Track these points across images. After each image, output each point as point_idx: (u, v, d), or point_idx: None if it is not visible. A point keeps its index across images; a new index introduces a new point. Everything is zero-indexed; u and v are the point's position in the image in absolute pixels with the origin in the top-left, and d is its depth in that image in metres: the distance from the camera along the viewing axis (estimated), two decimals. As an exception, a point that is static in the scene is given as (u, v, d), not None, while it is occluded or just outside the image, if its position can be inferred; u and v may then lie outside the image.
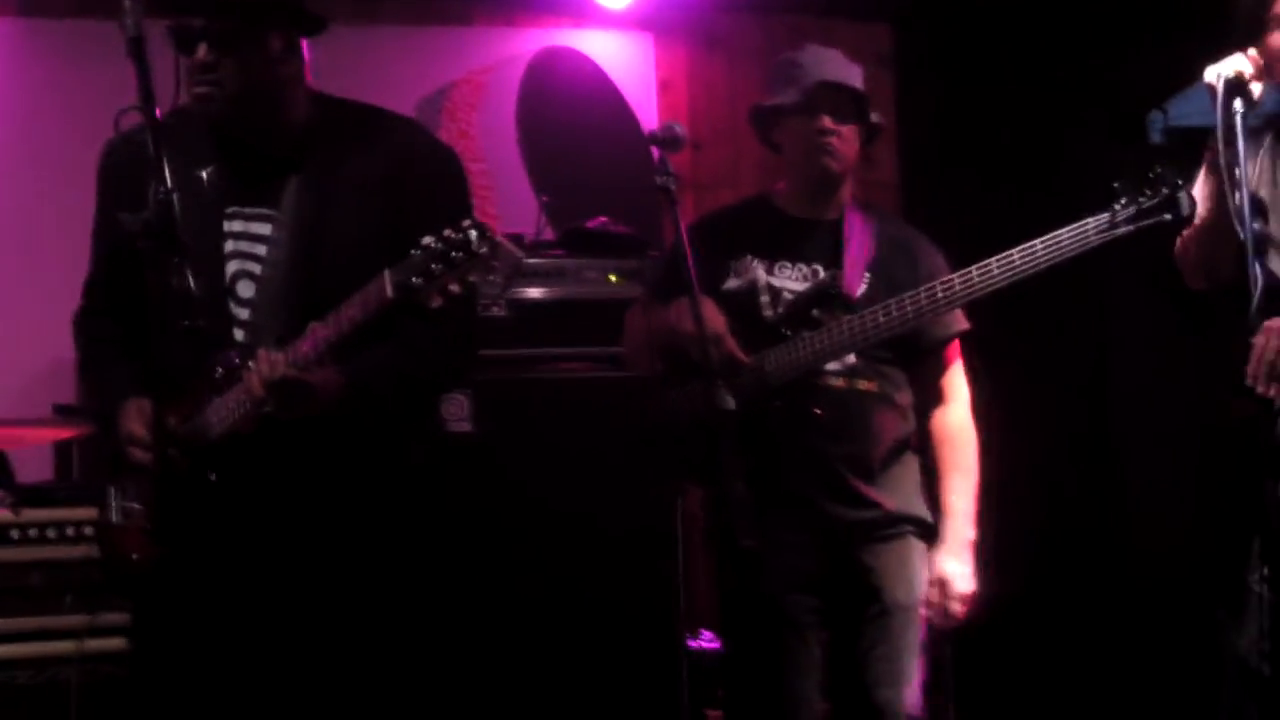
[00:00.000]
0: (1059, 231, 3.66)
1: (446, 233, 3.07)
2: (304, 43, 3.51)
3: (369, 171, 3.46)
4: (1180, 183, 3.56)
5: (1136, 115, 6.52)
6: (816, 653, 3.97)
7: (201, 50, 3.36)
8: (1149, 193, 3.57)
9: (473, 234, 3.07)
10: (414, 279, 3.08)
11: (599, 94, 6.56)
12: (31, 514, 4.68)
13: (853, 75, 4.09)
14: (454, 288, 3.10)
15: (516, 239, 5.52)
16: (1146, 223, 3.57)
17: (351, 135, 3.52)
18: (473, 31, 6.55)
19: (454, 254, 3.07)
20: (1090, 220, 3.63)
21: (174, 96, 3.32)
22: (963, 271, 3.79)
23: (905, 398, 4.05)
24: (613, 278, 5.34)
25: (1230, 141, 3.64)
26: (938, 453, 4.08)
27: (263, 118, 3.47)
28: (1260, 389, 3.59)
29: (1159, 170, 3.58)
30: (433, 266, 3.07)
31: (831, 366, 3.92)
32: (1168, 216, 3.56)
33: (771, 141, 4.19)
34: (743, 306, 3.95)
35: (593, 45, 6.61)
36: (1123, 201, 3.59)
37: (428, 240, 3.08)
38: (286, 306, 3.41)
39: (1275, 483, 3.48)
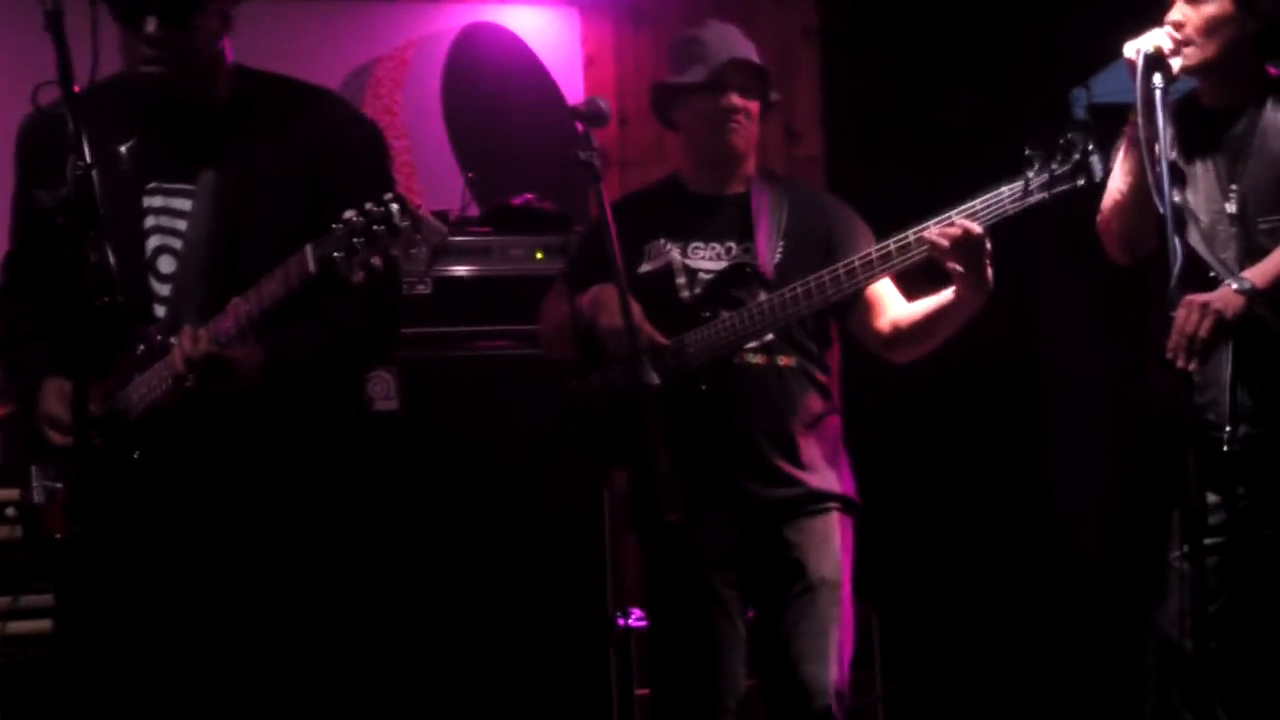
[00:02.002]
0: (973, 201, 3.67)
1: (368, 206, 3.06)
2: None
3: (290, 145, 3.44)
4: (1090, 148, 3.58)
5: (1061, 88, 6.57)
6: (741, 629, 3.97)
7: (151, 24, 3.33)
8: (1060, 159, 3.58)
9: (394, 208, 3.06)
10: (335, 253, 3.07)
11: (524, 70, 6.53)
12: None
13: (753, 52, 4.10)
14: (376, 262, 3.09)
15: (441, 216, 5.49)
16: (1060, 189, 3.58)
17: (273, 109, 3.50)
18: (397, 7, 6.50)
19: (375, 228, 3.06)
20: (1005, 188, 3.64)
21: (92, 70, 3.28)
22: (880, 245, 3.78)
23: (827, 372, 4.05)
24: (538, 255, 5.32)
25: (1150, 116, 3.66)
26: (908, 319, 4.00)
27: (199, 92, 3.45)
28: (1179, 363, 3.61)
29: (1069, 136, 3.59)
30: (354, 240, 3.06)
31: (750, 344, 3.92)
32: (1080, 182, 3.57)
33: (669, 120, 4.18)
34: (660, 289, 3.94)
35: (518, 21, 6.58)
36: (1035, 168, 3.60)
37: (349, 214, 3.07)
38: (207, 282, 3.38)
39: (1194, 458, 3.51)
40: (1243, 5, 3.78)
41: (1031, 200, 3.61)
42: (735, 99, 4.02)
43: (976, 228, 3.64)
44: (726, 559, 3.93)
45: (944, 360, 3.97)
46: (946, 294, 3.83)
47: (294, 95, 3.58)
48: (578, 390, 4.09)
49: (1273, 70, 3.92)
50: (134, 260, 3.37)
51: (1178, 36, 3.74)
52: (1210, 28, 3.79)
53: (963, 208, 3.66)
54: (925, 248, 3.69)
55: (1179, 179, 3.86)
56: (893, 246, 3.76)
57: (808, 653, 3.92)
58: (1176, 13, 3.80)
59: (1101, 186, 3.59)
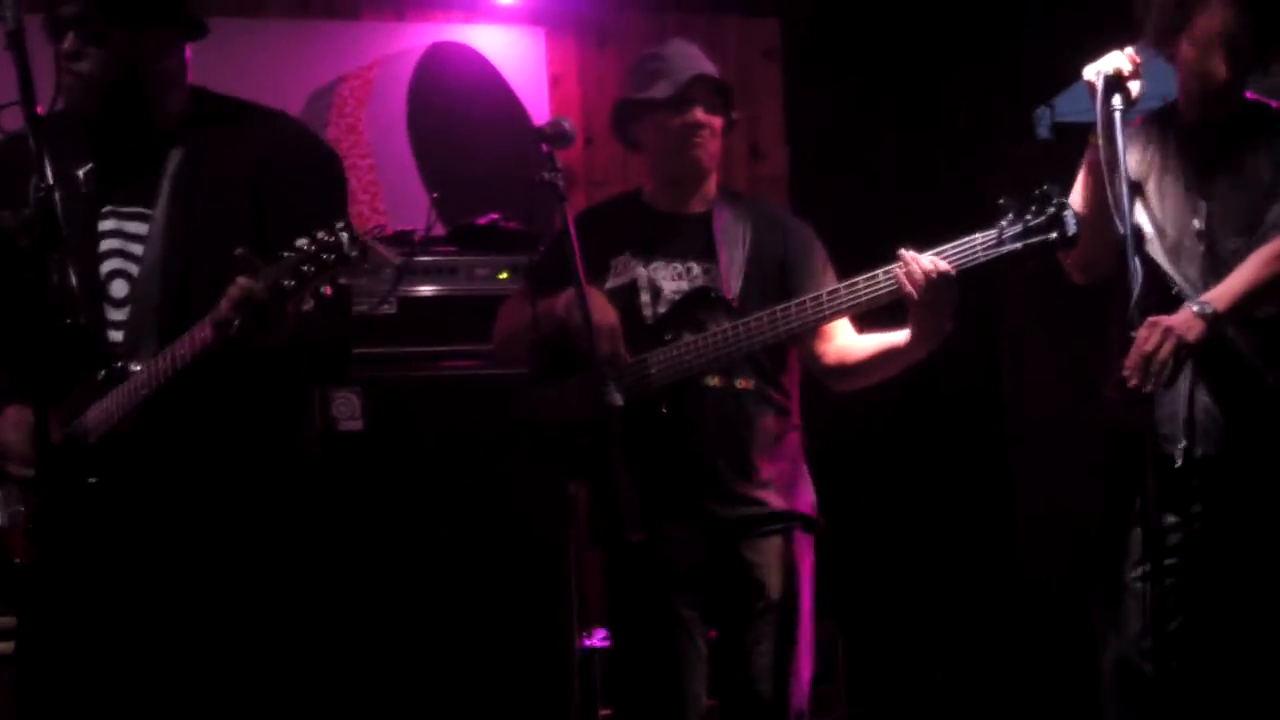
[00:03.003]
0: (945, 247, 3.65)
1: (319, 234, 3.06)
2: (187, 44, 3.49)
3: (241, 167, 3.44)
4: (1065, 202, 3.59)
5: (1022, 112, 6.60)
6: (703, 648, 3.97)
7: (69, 39, 3.33)
8: (1035, 209, 3.58)
9: (344, 236, 3.05)
10: (286, 281, 3.07)
11: (490, 89, 6.53)
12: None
13: (713, 67, 4.11)
14: (325, 290, 3.10)
15: (406, 235, 5.50)
16: (1034, 240, 3.57)
17: (225, 130, 3.49)
18: (362, 26, 6.50)
19: (325, 256, 3.06)
20: (978, 236, 3.63)
21: (55, 93, 3.28)
22: (850, 281, 3.77)
23: (785, 393, 4.06)
24: (503, 275, 5.33)
25: (1110, 137, 3.69)
26: (856, 353, 3.98)
27: (128, 113, 3.44)
28: (1135, 383, 3.63)
29: (1044, 188, 3.60)
30: (304, 268, 3.06)
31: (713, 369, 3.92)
32: (1053, 235, 3.58)
33: (629, 138, 4.18)
34: (623, 305, 3.94)
35: (483, 40, 6.58)
36: (1009, 218, 3.60)
37: (301, 242, 3.06)
38: (161, 306, 3.38)
39: (1153, 477, 3.53)
40: (1248, 23, 3.83)
41: (1004, 250, 3.59)
42: (700, 114, 4.02)
43: (948, 267, 3.63)
44: (688, 579, 3.93)
45: (907, 378, 3.97)
46: (900, 335, 3.82)
47: (246, 117, 3.57)
48: (534, 401, 4.08)
49: (1250, 95, 3.96)
50: (90, 284, 3.36)
51: (1138, 59, 3.77)
52: (1213, 46, 3.83)
53: (934, 252, 3.65)
54: (892, 284, 3.69)
55: (1139, 192, 3.90)
56: (860, 281, 3.75)
57: (768, 672, 3.92)
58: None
59: (1074, 242, 3.59)
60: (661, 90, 4.03)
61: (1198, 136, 3.94)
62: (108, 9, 3.33)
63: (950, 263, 3.63)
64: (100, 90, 3.36)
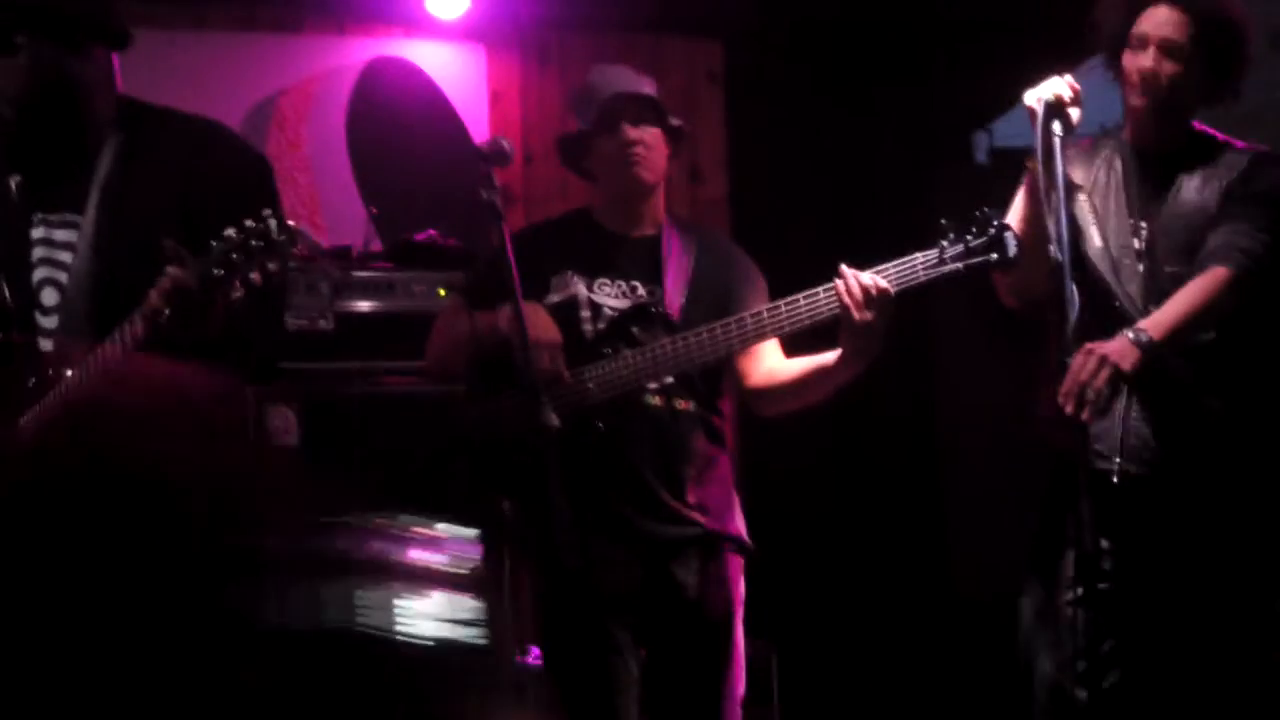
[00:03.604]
0: (886, 266, 3.67)
1: (247, 223, 3.06)
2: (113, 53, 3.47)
3: (169, 173, 3.43)
4: (1006, 224, 3.62)
5: (961, 136, 6.64)
6: (635, 670, 3.96)
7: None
8: (975, 231, 3.61)
9: (272, 223, 3.07)
10: (215, 270, 3.07)
11: (430, 105, 6.52)
12: None
13: (643, 84, 4.10)
14: (254, 277, 3.09)
15: (344, 251, 5.49)
16: (974, 261, 3.61)
17: (152, 137, 3.48)
18: (302, 39, 6.47)
19: (253, 243, 3.06)
20: (919, 256, 3.65)
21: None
22: (790, 298, 3.78)
23: (720, 415, 4.06)
24: (442, 291, 5.31)
25: (1049, 163, 3.71)
26: (785, 375, 3.99)
27: (49, 121, 3.42)
28: (1070, 410, 3.65)
29: (984, 210, 3.64)
30: (233, 256, 3.06)
31: (650, 384, 3.92)
32: (994, 256, 3.61)
33: (584, 170, 4.18)
34: (563, 322, 3.93)
35: (424, 55, 6.57)
36: (950, 238, 3.63)
37: (229, 231, 3.06)
38: (92, 312, 3.36)
39: (1088, 502, 3.54)
40: (1208, 64, 3.87)
41: (945, 270, 3.62)
42: (629, 131, 4.01)
43: (887, 285, 3.65)
44: (621, 599, 3.92)
45: (841, 399, 3.99)
46: (830, 355, 3.84)
47: (173, 123, 3.56)
48: (470, 418, 4.07)
49: (1197, 124, 4.00)
50: (20, 294, 3.34)
51: (1077, 86, 3.79)
52: (1175, 81, 3.86)
53: (875, 269, 3.67)
54: (834, 303, 3.70)
55: (1090, 205, 3.94)
56: (801, 298, 3.76)
57: (701, 693, 3.93)
58: (1149, 60, 3.86)
59: (1014, 263, 3.62)
60: (586, 119, 4.04)
61: (1143, 162, 3.98)
62: (11, 21, 3.32)
63: (890, 282, 3.65)
64: (11, 100, 3.36)
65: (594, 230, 4.14)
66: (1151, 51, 3.88)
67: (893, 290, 3.66)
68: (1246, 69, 3.96)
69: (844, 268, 3.68)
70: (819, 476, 6.35)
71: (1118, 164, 3.99)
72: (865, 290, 3.64)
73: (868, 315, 3.65)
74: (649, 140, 4.03)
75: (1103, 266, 3.92)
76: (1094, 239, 3.94)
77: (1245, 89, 3.99)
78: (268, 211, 3.07)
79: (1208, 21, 3.87)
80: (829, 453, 6.29)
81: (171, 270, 3.11)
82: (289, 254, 3.09)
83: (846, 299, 3.66)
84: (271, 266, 3.10)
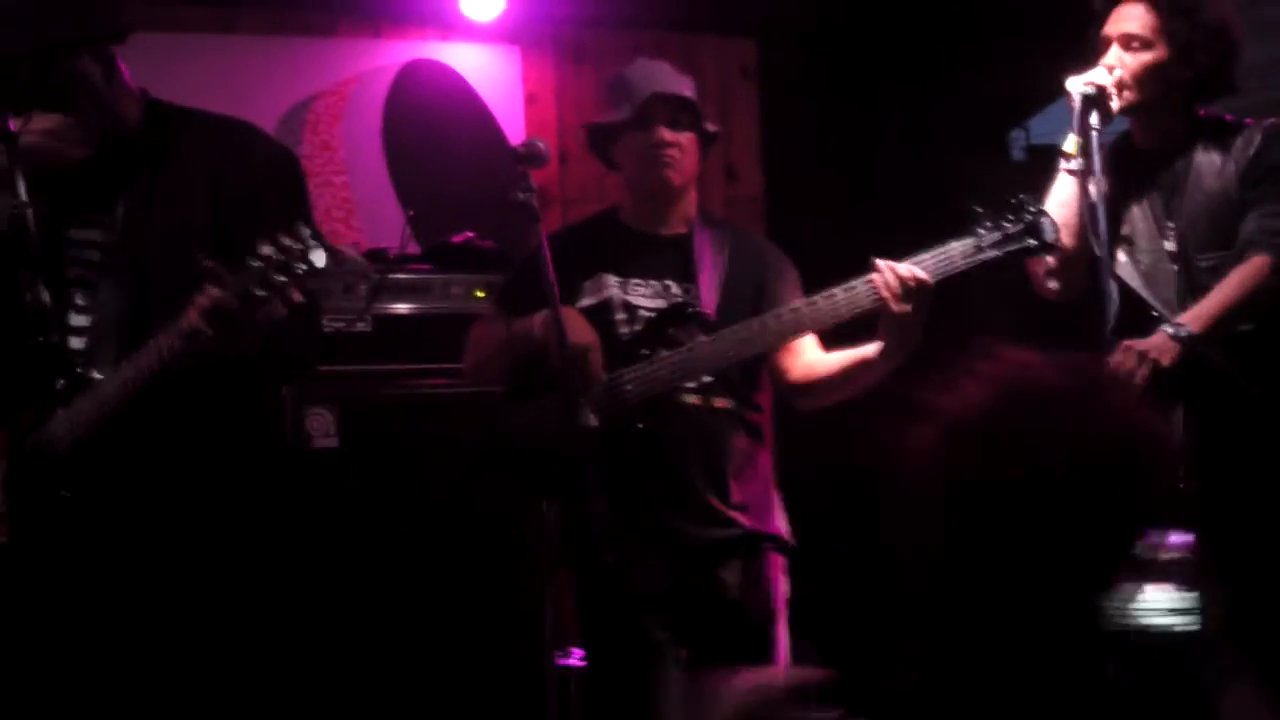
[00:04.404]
0: (923, 255, 3.66)
1: (285, 241, 3.05)
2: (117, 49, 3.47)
3: (198, 174, 3.43)
4: (1042, 209, 3.60)
5: (997, 133, 6.62)
6: (675, 670, 3.95)
7: (40, 121, 3.33)
8: (1012, 218, 3.59)
9: (312, 243, 3.05)
10: (256, 290, 3.06)
11: (465, 107, 6.53)
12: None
13: (684, 85, 4.09)
14: (296, 296, 3.09)
15: (380, 253, 5.49)
16: (1012, 247, 3.59)
17: (181, 138, 3.48)
18: (337, 42, 6.49)
19: (294, 264, 3.05)
20: (955, 244, 3.64)
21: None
22: (827, 291, 3.77)
23: (758, 413, 4.05)
24: (478, 293, 5.31)
25: (1086, 152, 3.69)
26: (824, 369, 3.98)
27: (97, 137, 3.43)
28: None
29: (1020, 197, 3.62)
30: (274, 276, 3.05)
31: (687, 384, 3.91)
32: (1032, 242, 3.59)
33: (610, 160, 4.17)
34: (598, 324, 3.93)
35: (459, 58, 6.58)
36: (987, 225, 3.61)
37: (267, 249, 3.05)
38: (121, 315, 3.36)
39: None
40: (1177, 54, 3.83)
41: (983, 257, 3.61)
42: (664, 133, 4.00)
43: (925, 275, 3.63)
44: (660, 601, 3.92)
45: (879, 395, 3.97)
46: (870, 347, 3.83)
47: (202, 124, 3.56)
48: (510, 421, 4.07)
49: (1202, 112, 3.97)
50: (52, 296, 3.34)
51: (1123, 76, 3.78)
52: (1145, 74, 3.83)
53: (913, 260, 3.65)
54: (871, 293, 3.69)
55: (1116, 219, 3.91)
56: (839, 291, 3.75)
57: (744, 695, 3.92)
58: (1112, 57, 3.84)
59: (1052, 248, 3.59)
60: (623, 111, 4.03)
61: (1155, 160, 3.95)
62: (47, 76, 3.33)
63: (929, 271, 3.64)
64: (79, 143, 3.37)
65: (624, 231, 4.13)
66: (1112, 49, 3.86)
67: (931, 280, 3.64)
68: (1233, 59, 3.91)
69: (880, 261, 3.66)
70: (861, 475, 6.32)
71: (1131, 171, 3.96)
72: (903, 281, 3.63)
73: (906, 307, 3.64)
74: (683, 143, 4.02)
75: (1135, 282, 3.89)
76: (1119, 255, 3.91)
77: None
78: (308, 230, 3.06)
79: (1173, 12, 3.84)
80: (871, 450, 6.26)
81: (212, 290, 3.11)
82: (330, 273, 3.08)
83: (884, 291, 3.65)
84: (312, 286, 3.09)
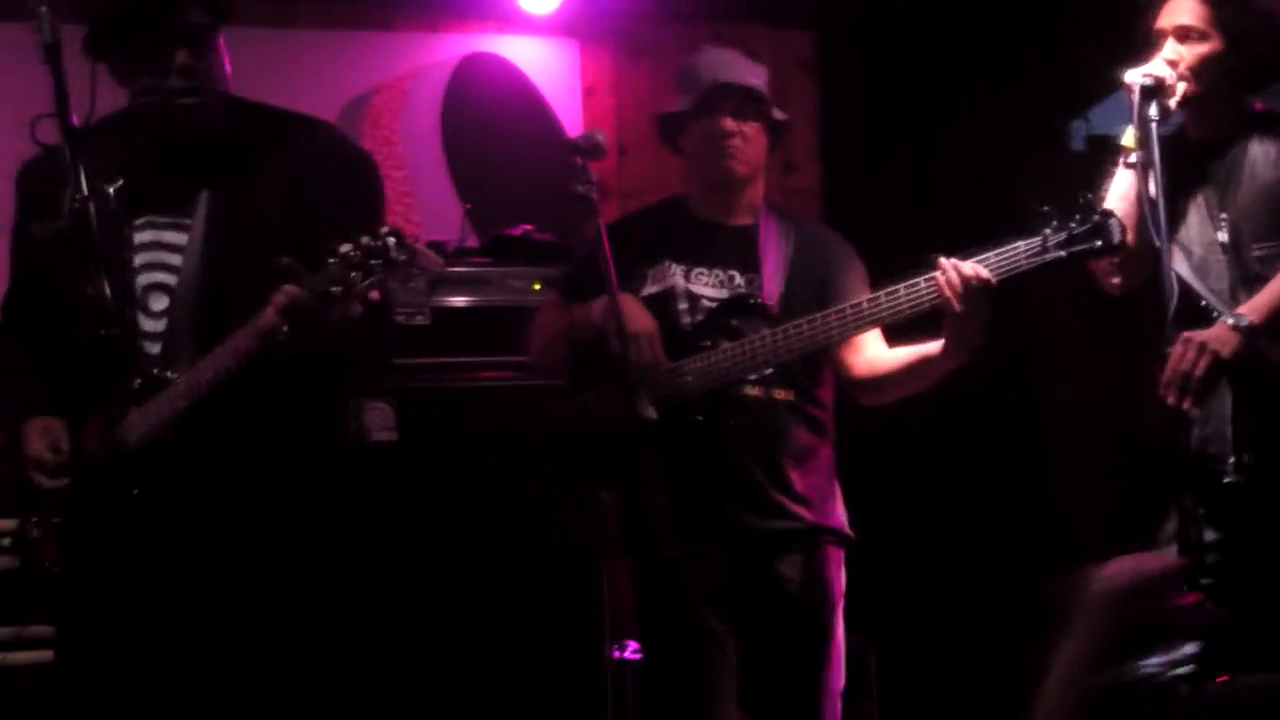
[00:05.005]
0: (988, 254, 3.63)
1: (364, 240, 3.05)
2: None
3: (280, 175, 3.43)
4: (1109, 211, 3.57)
5: (1058, 122, 6.58)
6: (733, 663, 3.95)
7: (182, 55, 3.32)
8: (1079, 218, 3.56)
9: (391, 241, 3.05)
10: (333, 287, 3.06)
11: (523, 100, 6.54)
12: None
13: (751, 74, 4.05)
14: (374, 295, 3.09)
15: (439, 246, 5.51)
16: (1079, 248, 3.55)
17: (264, 139, 3.49)
18: (395, 36, 6.51)
19: (372, 261, 3.05)
20: (1021, 244, 3.60)
21: (89, 105, 3.27)
22: (889, 288, 3.75)
23: (821, 407, 4.04)
24: (536, 286, 5.32)
25: (1145, 144, 3.67)
26: (887, 365, 3.96)
27: (215, 120, 3.44)
28: (1172, 400, 3.61)
29: (1087, 197, 3.59)
30: (352, 275, 3.05)
31: (748, 376, 3.90)
32: (1099, 244, 3.56)
33: (679, 148, 4.16)
34: (660, 313, 3.92)
35: (517, 51, 6.59)
36: (1053, 225, 3.58)
37: (345, 248, 3.05)
38: (199, 315, 3.38)
39: (1191, 497, 3.50)
40: (1232, 46, 3.80)
41: (1048, 258, 3.57)
42: (728, 123, 3.99)
43: (988, 275, 3.61)
44: (719, 593, 3.91)
45: (941, 390, 3.95)
46: (932, 345, 3.81)
47: (282, 124, 3.57)
48: (568, 411, 4.07)
49: (1257, 105, 3.94)
50: (124, 295, 3.35)
51: (1180, 69, 3.76)
52: (1201, 66, 3.81)
53: (977, 258, 3.63)
54: (933, 292, 3.67)
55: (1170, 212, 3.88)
56: (901, 288, 3.74)
57: (800, 687, 3.92)
58: (1169, 51, 3.81)
59: (1118, 249, 3.57)
60: (687, 101, 4.02)
61: (1209, 152, 3.91)
62: (206, 15, 3.35)
63: (993, 270, 3.61)
64: (212, 100, 3.38)
65: (689, 219, 4.12)
66: (1168, 42, 3.83)
67: (994, 280, 3.62)
68: None
69: (943, 259, 3.64)
70: (919, 468, 6.31)
71: (1184, 163, 3.92)
72: (966, 280, 3.61)
73: (969, 306, 3.62)
74: (748, 133, 4.00)
75: (1187, 274, 3.86)
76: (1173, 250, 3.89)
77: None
78: (386, 229, 3.06)
79: (1226, 2, 3.81)
80: (930, 444, 6.24)
81: (289, 288, 3.12)
82: (408, 272, 3.09)
83: (947, 290, 3.63)
84: (390, 285, 3.10)
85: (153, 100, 3.37)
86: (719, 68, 4.05)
